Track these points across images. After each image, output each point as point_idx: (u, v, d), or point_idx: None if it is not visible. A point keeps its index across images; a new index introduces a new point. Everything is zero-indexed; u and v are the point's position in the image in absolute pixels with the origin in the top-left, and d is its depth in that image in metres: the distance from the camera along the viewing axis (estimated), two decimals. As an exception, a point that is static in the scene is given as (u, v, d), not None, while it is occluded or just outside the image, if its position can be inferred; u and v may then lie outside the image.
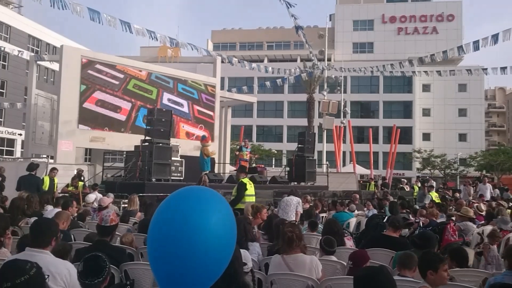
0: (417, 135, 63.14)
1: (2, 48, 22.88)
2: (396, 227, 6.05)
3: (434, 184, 25.87)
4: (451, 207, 11.19)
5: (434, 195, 17.18)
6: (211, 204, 1.85)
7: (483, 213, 9.35)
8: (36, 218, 7.46)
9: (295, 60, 66.27)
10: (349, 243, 6.43)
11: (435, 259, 3.78)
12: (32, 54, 26.53)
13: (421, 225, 8.39)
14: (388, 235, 6.02)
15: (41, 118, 20.50)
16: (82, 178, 14.98)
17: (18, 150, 44.82)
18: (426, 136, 63.87)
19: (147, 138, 14.21)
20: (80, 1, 15.70)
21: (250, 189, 9.81)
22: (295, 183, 18.44)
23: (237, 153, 18.50)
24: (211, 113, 23.18)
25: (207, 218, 1.78)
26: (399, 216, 7.26)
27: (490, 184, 21.14)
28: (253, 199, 9.83)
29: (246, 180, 10.01)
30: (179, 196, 1.88)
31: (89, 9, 16.02)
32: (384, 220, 7.50)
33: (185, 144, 19.78)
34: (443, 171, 55.61)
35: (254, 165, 27.02)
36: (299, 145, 19.05)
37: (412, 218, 9.05)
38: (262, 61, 68.93)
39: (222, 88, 26.95)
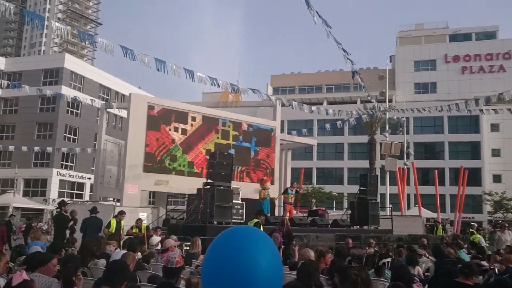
0: (487, 176, 59.97)
1: (77, 98, 24.50)
2: (468, 274, 5.70)
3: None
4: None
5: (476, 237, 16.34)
6: (260, 245, 1.87)
7: None
8: (104, 259, 7.74)
9: (355, 102, 65.81)
10: (419, 290, 6.11)
11: None
12: (103, 102, 28.11)
13: (497, 271, 7.89)
14: (462, 282, 5.67)
15: (109, 162, 21.45)
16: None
17: (87, 194, 47.02)
18: (497, 178, 60.50)
19: (209, 181, 14.46)
20: (147, 51, 16.60)
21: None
22: (358, 226, 17.96)
23: (283, 195, 18.66)
24: (271, 155, 23.31)
25: (259, 260, 1.80)
26: (473, 262, 6.85)
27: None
28: None
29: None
30: (233, 237, 1.91)
31: (156, 59, 16.82)
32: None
33: (245, 187, 19.92)
34: (517, 215, 52.17)
35: (314, 208, 26.69)
36: (361, 188, 18.64)
37: (486, 264, 8.54)
38: (321, 103, 69.06)
39: (282, 131, 27.18)
